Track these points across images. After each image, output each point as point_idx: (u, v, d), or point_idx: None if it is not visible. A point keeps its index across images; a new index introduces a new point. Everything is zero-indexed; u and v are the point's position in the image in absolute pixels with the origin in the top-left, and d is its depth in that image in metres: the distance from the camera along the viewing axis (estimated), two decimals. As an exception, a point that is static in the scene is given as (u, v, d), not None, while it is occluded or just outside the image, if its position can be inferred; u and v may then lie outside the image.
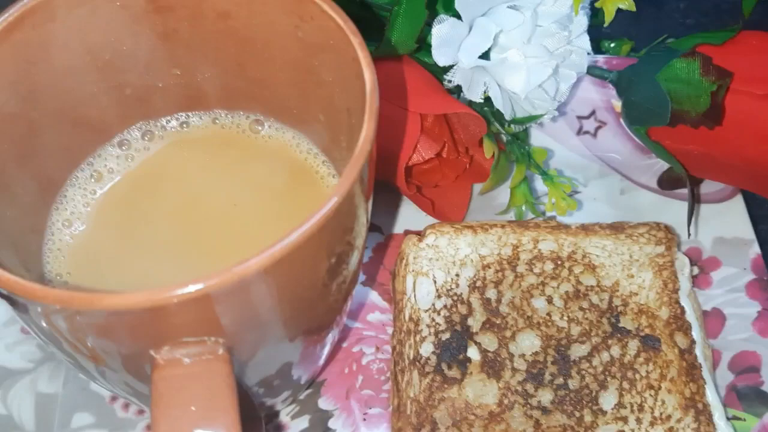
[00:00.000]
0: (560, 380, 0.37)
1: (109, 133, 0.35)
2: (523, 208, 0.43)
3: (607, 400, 0.37)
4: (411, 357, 0.38)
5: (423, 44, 0.41)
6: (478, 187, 0.45)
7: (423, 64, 0.42)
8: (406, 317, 0.39)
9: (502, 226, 0.41)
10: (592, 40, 0.43)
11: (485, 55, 0.39)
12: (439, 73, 0.41)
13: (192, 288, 0.24)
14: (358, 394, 0.40)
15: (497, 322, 0.39)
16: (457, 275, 0.40)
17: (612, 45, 0.49)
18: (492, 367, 0.37)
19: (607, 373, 0.37)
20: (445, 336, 0.38)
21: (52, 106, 0.32)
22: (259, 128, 0.36)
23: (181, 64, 0.34)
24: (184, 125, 0.36)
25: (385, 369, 0.40)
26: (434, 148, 0.40)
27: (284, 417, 0.39)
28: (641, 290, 0.39)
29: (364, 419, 0.39)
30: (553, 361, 0.37)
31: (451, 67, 0.39)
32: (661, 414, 0.36)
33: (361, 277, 0.43)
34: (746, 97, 0.38)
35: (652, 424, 0.36)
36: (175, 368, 0.26)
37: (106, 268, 0.33)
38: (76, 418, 0.39)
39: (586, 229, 0.41)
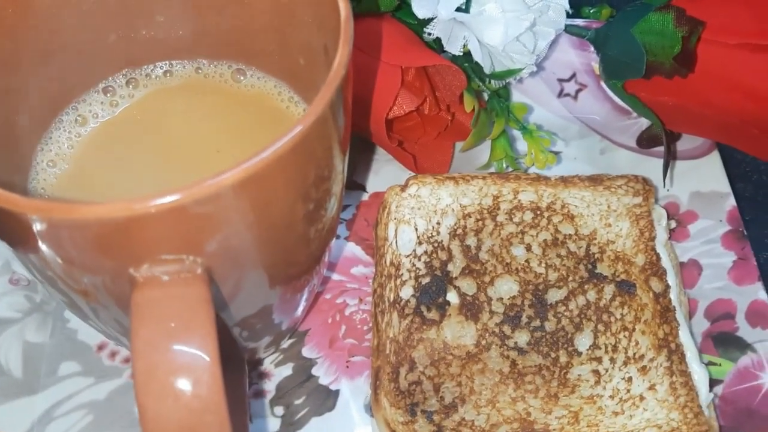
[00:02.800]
0: (537, 323, 0.38)
1: (94, 79, 0.36)
2: (504, 164, 0.44)
3: (582, 341, 0.37)
4: (391, 299, 0.39)
5: (403, 3, 0.42)
6: (460, 146, 0.46)
7: (404, 24, 0.42)
8: (387, 262, 0.39)
9: (483, 178, 0.42)
10: (572, 6, 0.43)
11: (465, 10, 0.40)
12: (419, 32, 0.42)
13: (168, 198, 0.24)
14: (341, 343, 0.40)
15: (476, 268, 0.39)
16: (438, 223, 0.40)
17: (592, 11, 0.50)
18: (470, 309, 0.38)
19: (582, 316, 0.38)
20: (425, 280, 0.39)
21: (36, 48, 0.33)
22: (241, 78, 0.37)
23: (164, 11, 0.35)
24: (168, 74, 0.37)
25: (368, 319, 0.41)
26: (415, 102, 0.41)
27: (268, 365, 0.40)
28: (618, 238, 0.40)
29: (347, 366, 0.40)
30: (530, 305, 0.38)
31: (430, 21, 0.40)
32: (634, 354, 0.37)
33: (345, 233, 0.44)
34: (718, 47, 0.39)
35: (625, 363, 0.36)
36: (154, 285, 0.26)
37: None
38: (63, 366, 0.40)
39: (565, 180, 0.42)
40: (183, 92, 0.37)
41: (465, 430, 0.35)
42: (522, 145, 0.46)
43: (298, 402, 0.39)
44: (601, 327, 0.37)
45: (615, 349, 0.37)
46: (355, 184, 0.46)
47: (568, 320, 0.38)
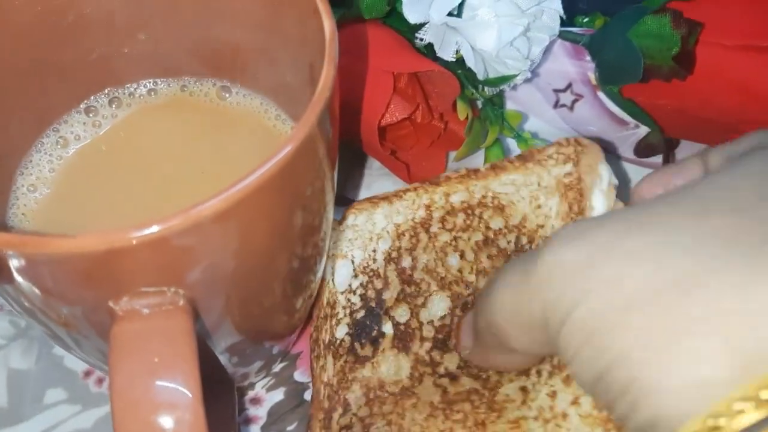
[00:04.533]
0: None
1: (76, 100, 0.35)
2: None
3: None
4: (326, 342, 0.37)
5: (394, 10, 0.41)
6: (453, 155, 0.45)
7: (395, 30, 0.42)
8: (324, 303, 0.37)
9: (415, 189, 0.38)
10: (567, 15, 0.42)
11: (458, 15, 0.39)
12: (411, 38, 0.41)
13: (146, 231, 0.23)
14: (334, 365, 0.39)
15: (411, 290, 0.37)
16: (374, 250, 0.38)
17: (585, 20, 0.49)
18: (402, 339, 0.36)
19: None
20: (360, 315, 0.37)
21: (15, 68, 0.32)
22: (226, 95, 0.36)
23: (146, 28, 0.34)
24: (152, 92, 0.36)
25: (362, 340, 0.40)
26: (407, 109, 0.40)
27: (259, 389, 0.39)
28: (547, 220, 0.36)
29: (340, 390, 0.39)
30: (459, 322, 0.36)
31: (422, 26, 0.39)
32: (559, 362, 0.33)
33: (337, 251, 0.43)
34: (716, 49, 0.38)
35: (550, 374, 0.33)
36: (134, 319, 0.25)
37: (70, 233, 0.32)
38: (49, 393, 0.39)
39: (495, 168, 0.37)
40: (167, 111, 0.36)
41: None
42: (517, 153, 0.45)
43: (290, 428, 0.38)
44: None
45: (542, 358, 0.33)
46: (345, 199, 0.45)
47: None
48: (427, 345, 0.35)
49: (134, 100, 0.36)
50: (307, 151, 0.26)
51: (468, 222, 0.37)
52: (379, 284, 0.37)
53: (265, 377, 0.39)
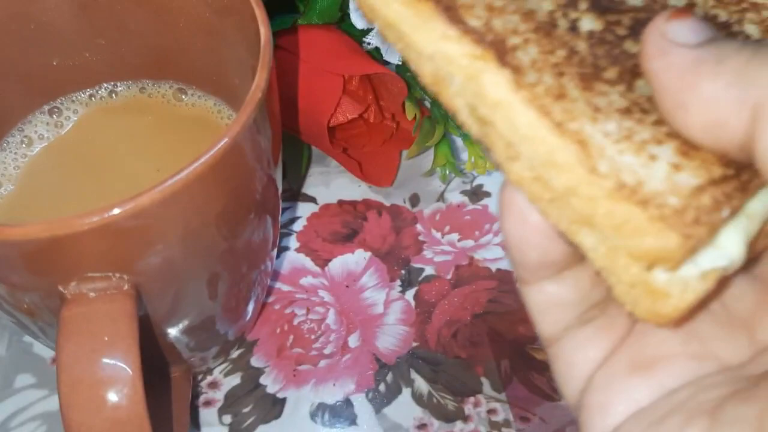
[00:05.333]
0: None
1: (40, 101, 0.37)
2: (447, 170, 0.45)
3: None
4: None
5: (347, 16, 0.43)
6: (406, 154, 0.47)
7: (347, 34, 0.44)
8: None
9: None
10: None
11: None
12: (361, 43, 0.43)
13: (87, 219, 0.25)
14: (289, 352, 0.42)
15: None
16: None
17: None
18: None
19: None
20: None
21: (-21, 73, 0.34)
22: (183, 96, 0.38)
23: (104, 34, 0.36)
24: (113, 94, 0.38)
25: (316, 329, 0.42)
26: (357, 109, 0.42)
27: (217, 374, 0.41)
28: None
29: (294, 375, 0.41)
30: None
31: (369, 31, 0.41)
32: None
33: (295, 244, 0.45)
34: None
35: None
36: (81, 302, 0.28)
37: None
38: (19, 378, 0.41)
39: None
40: (127, 112, 0.38)
41: None
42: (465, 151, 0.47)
43: (245, 410, 0.40)
44: None
45: None
46: (305, 196, 0.47)
47: None
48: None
49: (95, 102, 0.38)
50: (241, 146, 0.28)
51: None
52: None
53: (222, 363, 0.41)
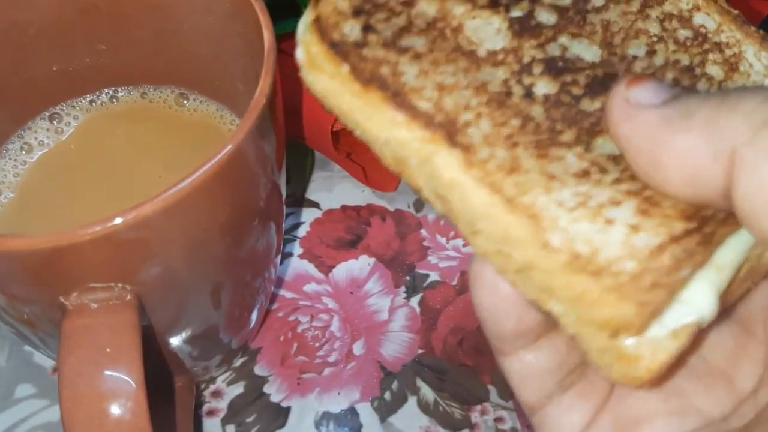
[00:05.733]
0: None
1: (40, 107, 0.37)
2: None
3: None
4: None
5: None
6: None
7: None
8: None
9: None
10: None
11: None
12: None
13: (89, 229, 0.25)
14: (293, 360, 0.41)
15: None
16: None
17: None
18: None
19: None
20: None
21: (-22, 79, 0.34)
22: (184, 102, 0.38)
23: (105, 39, 0.36)
24: (114, 99, 0.38)
25: (320, 336, 0.42)
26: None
27: (220, 383, 0.40)
28: None
29: (298, 383, 0.40)
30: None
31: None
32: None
33: (299, 250, 0.45)
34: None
35: None
36: (83, 313, 0.27)
37: (33, 234, 0.34)
38: (19, 389, 0.40)
39: None
40: (128, 118, 0.38)
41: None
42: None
43: (249, 420, 0.39)
44: None
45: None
46: (309, 201, 0.47)
47: None
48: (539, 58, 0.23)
49: (96, 108, 0.38)
50: (245, 153, 0.28)
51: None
52: None
53: (226, 371, 0.41)
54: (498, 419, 0.39)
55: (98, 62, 0.37)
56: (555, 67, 0.23)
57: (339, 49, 0.22)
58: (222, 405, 0.40)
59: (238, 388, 0.40)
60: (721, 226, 0.20)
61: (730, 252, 0.20)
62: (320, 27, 0.22)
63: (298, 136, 0.44)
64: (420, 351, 0.41)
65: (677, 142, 0.18)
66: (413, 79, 0.22)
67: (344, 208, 0.46)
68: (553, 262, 0.19)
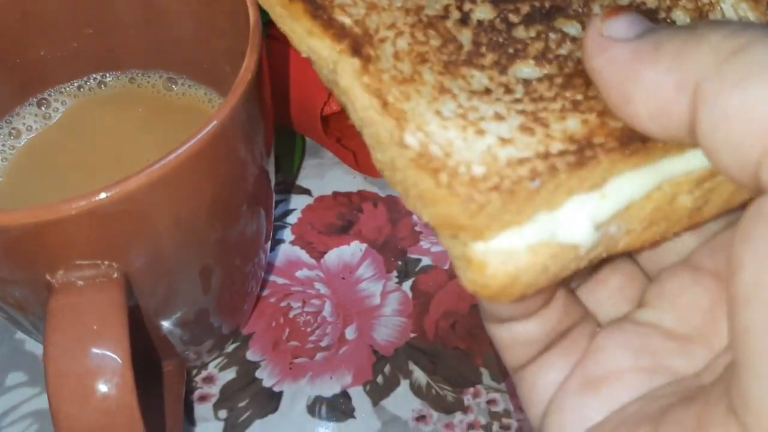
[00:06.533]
0: None
1: (28, 93, 0.37)
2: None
3: None
4: None
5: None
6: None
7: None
8: None
9: None
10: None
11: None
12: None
13: (72, 204, 0.25)
14: (285, 345, 0.41)
15: None
16: None
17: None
18: None
19: None
20: None
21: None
22: (173, 86, 0.38)
23: (92, 23, 0.36)
24: (102, 85, 0.38)
25: (312, 321, 0.42)
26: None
27: (212, 369, 0.40)
28: None
29: (290, 368, 0.40)
30: None
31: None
32: None
33: (290, 237, 0.45)
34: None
35: None
36: (69, 291, 0.27)
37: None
38: (11, 377, 0.40)
39: None
40: (116, 103, 0.38)
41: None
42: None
43: (241, 405, 0.39)
44: None
45: None
46: (300, 188, 0.47)
47: None
48: None
49: (84, 93, 0.38)
50: (231, 129, 0.28)
51: None
52: None
53: (217, 357, 0.40)
54: (490, 401, 0.39)
55: (85, 47, 0.37)
56: None
57: None
58: (214, 390, 0.40)
59: (230, 374, 0.40)
60: (619, 157, 0.20)
61: (627, 186, 0.20)
62: None
63: (287, 122, 0.44)
64: (412, 335, 0.41)
65: (646, 75, 0.18)
66: None
67: (336, 194, 0.46)
68: (403, 159, 0.20)
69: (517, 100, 0.21)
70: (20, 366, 0.40)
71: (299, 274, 0.43)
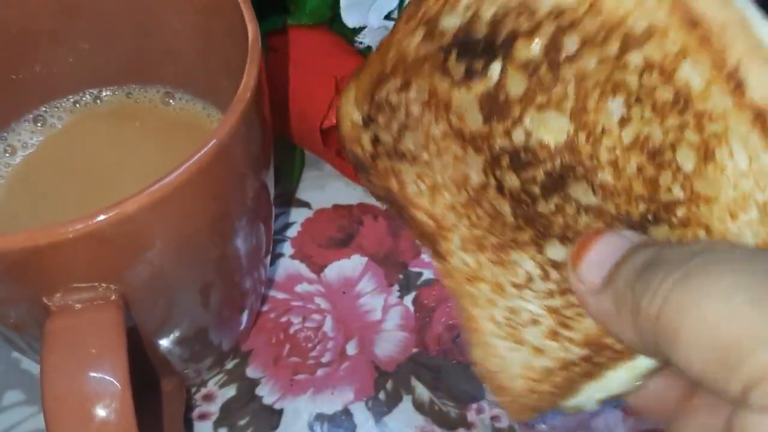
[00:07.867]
0: None
1: (24, 109, 0.36)
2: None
3: None
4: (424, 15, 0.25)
5: (338, 16, 0.42)
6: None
7: (339, 35, 0.43)
8: None
9: None
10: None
11: (395, 18, 0.40)
12: (353, 43, 0.42)
13: (70, 227, 0.24)
14: (285, 361, 0.40)
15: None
16: None
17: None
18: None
19: None
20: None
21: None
22: (170, 101, 0.37)
23: (88, 38, 0.35)
24: (98, 100, 0.37)
25: (312, 337, 0.41)
26: (350, 112, 0.41)
27: (212, 386, 0.40)
28: None
29: (291, 385, 0.40)
30: None
31: (361, 30, 0.40)
32: None
33: (290, 250, 0.44)
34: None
35: None
36: (66, 314, 0.27)
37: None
38: (8, 395, 0.40)
39: None
40: (113, 118, 0.37)
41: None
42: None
43: (242, 422, 0.39)
44: None
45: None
46: (299, 201, 0.46)
47: None
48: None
49: (81, 108, 0.37)
50: (231, 147, 0.27)
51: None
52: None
53: (217, 374, 0.40)
54: (494, 417, 0.38)
55: (81, 62, 0.36)
56: (518, 161, 0.24)
57: (360, 166, 0.28)
58: (214, 408, 0.39)
59: (230, 391, 0.40)
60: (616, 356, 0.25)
61: (624, 375, 0.25)
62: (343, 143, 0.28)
63: (286, 134, 0.44)
64: (415, 350, 0.41)
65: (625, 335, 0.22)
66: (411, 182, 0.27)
67: (336, 207, 0.46)
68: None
69: (549, 293, 0.26)
70: (17, 385, 0.40)
71: (299, 288, 0.43)
